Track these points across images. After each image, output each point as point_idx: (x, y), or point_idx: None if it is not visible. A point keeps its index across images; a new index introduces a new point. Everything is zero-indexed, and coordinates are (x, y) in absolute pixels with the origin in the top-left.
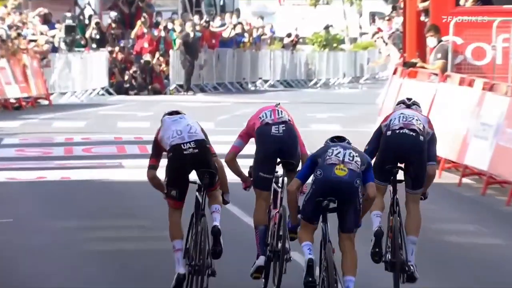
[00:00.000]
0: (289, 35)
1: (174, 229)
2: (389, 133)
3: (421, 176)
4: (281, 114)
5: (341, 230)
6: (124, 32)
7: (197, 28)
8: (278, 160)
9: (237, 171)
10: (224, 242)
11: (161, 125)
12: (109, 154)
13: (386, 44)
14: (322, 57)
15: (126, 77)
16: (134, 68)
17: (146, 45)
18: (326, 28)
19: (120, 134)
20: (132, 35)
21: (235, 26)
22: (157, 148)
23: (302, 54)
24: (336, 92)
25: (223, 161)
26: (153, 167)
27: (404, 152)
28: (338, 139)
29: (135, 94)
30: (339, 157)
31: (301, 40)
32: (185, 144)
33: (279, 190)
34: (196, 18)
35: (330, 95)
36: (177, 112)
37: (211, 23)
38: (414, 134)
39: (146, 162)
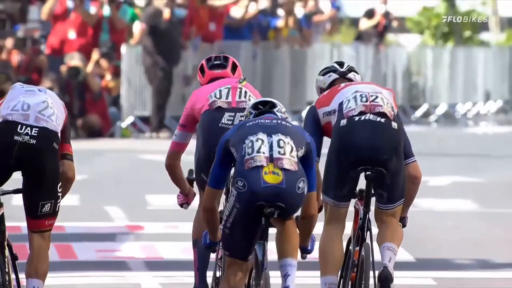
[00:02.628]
0: (370, 14)
1: None
2: (343, 122)
3: (398, 184)
4: (245, 96)
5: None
6: (23, 9)
7: None
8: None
9: (179, 179)
10: None
11: (8, 94)
12: None
13: None
14: (441, 59)
15: None
16: (47, 83)
17: (72, 35)
18: None
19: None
20: (43, 15)
21: None
22: None
23: (398, 52)
24: (471, 131)
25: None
26: None
27: (372, 150)
28: (262, 105)
29: None
30: (263, 152)
31: (394, 24)
32: (23, 127)
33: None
34: None
35: (459, 137)
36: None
37: None
38: (383, 120)
39: None
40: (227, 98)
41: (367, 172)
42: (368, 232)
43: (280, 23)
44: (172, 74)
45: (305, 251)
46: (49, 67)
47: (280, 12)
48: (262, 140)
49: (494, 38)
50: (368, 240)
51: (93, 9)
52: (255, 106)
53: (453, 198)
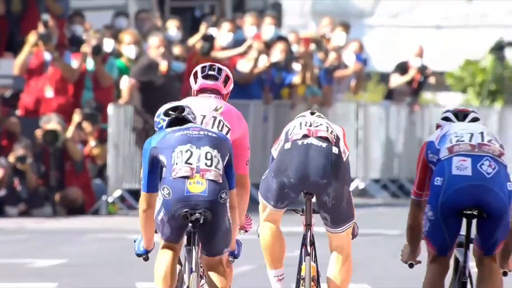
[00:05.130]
0: (402, 69)
1: None
2: (287, 145)
3: (341, 207)
4: (218, 125)
5: (206, 254)
6: None
7: (177, 50)
8: None
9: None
10: None
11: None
12: None
13: None
14: (488, 121)
15: None
16: (20, 150)
17: (49, 93)
18: (498, 48)
19: None
20: (15, 68)
21: (269, 44)
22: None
23: (436, 113)
24: None
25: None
26: None
27: (312, 173)
28: (176, 122)
29: (21, 213)
30: (191, 164)
31: (432, 80)
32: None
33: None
34: (173, 26)
35: None
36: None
37: (212, 37)
38: (325, 145)
39: None
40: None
41: (306, 191)
42: (312, 247)
43: (296, 79)
44: None
45: (232, 254)
46: (22, 131)
47: (296, 66)
48: (191, 152)
49: None
50: (312, 254)
51: (74, 63)
52: (166, 113)
53: None
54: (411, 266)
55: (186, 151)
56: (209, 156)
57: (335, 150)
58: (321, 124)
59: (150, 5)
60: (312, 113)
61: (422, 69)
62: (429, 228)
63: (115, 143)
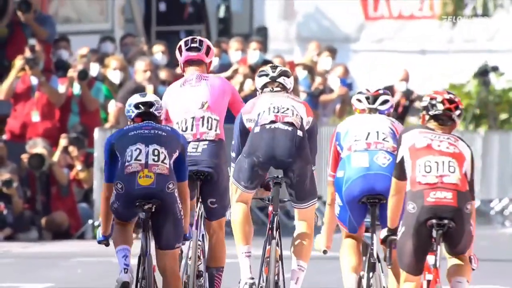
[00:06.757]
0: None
1: None
2: (256, 129)
3: (305, 184)
4: (207, 123)
5: (159, 246)
6: None
7: (163, 75)
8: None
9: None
10: None
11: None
12: None
13: None
14: (472, 146)
15: None
16: (6, 175)
17: (35, 117)
18: (483, 73)
19: None
20: (2, 93)
21: (255, 69)
22: None
23: None
24: (508, 232)
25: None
26: None
27: (279, 153)
28: (143, 115)
29: (7, 237)
30: (140, 160)
31: (417, 105)
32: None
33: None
34: (159, 50)
35: (493, 239)
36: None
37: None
38: (290, 128)
39: None
40: (192, 130)
41: (274, 181)
42: (277, 232)
43: None
44: None
45: (185, 237)
46: (8, 155)
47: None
48: (140, 150)
49: None
50: (277, 238)
51: (61, 88)
52: (136, 105)
53: None
54: (325, 252)
55: (136, 150)
56: (156, 153)
57: (299, 133)
58: (287, 109)
59: (136, 29)
60: (273, 67)
61: (408, 94)
62: (339, 212)
63: (101, 167)
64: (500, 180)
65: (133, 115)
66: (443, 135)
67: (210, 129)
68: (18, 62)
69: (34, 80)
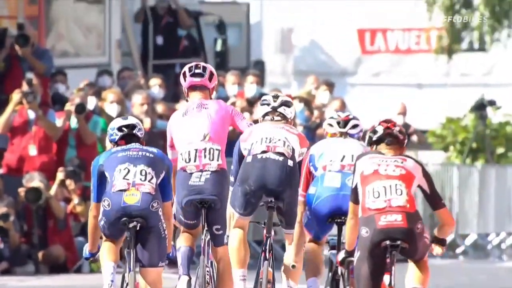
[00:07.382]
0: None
1: None
2: (249, 159)
3: (293, 212)
4: (209, 154)
5: (142, 265)
6: None
7: (160, 108)
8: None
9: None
10: None
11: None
12: None
13: None
14: (469, 180)
15: None
16: (2, 209)
17: (33, 151)
18: (480, 107)
19: None
20: None
21: (252, 102)
22: None
23: None
24: (506, 266)
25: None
26: None
27: (270, 182)
28: (126, 137)
29: (4, 271)
30: (128, 179)
31: (414, 139)
32: None
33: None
34: (156, 83)
35: (491, 273)
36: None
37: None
38: (281, 158)
39: None
40: (195, 161)
41: (268, 205)
42: (270, 253)
43: None
44: None
45: (168, 257)
46: (5, 189)
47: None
48: (128, 170)
49: None
50: (270, 260)
51: (58, 121)
52: (120, 128)
53: None
54: (293, 267)
55: (124, 169)
56: (143, 173)
57: (290, 163)
58: (279, 140)
59: (133, 63)
60: (275, 97)
61: (405, 127)
62: (306, 222)
63: None
64: (497, 214)
65: (117, 138)
66: (390, 158)
67: (212, 160)
68: (16, 96)
69: (31, 114)
